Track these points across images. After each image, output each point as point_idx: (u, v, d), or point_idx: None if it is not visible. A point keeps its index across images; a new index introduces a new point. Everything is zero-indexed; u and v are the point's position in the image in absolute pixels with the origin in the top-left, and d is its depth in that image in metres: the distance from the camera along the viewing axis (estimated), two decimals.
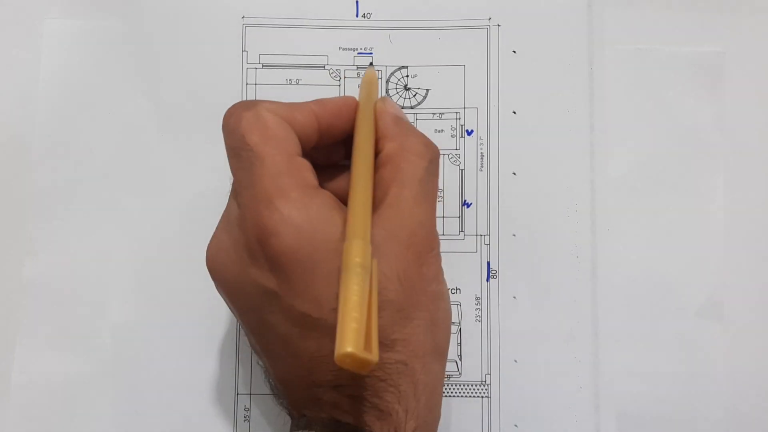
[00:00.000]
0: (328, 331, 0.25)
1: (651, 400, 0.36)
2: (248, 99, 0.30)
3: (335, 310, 0.24)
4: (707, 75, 0.37)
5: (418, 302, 0.27)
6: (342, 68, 0.37)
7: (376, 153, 0.29)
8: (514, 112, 0.37)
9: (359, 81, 0.37)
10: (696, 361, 0.36)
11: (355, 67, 0.37)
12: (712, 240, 0.36)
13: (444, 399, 0.36)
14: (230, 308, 0.30)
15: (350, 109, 0.30)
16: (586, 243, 0.36)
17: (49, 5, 0.38)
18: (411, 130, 0.30)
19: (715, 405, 0.36)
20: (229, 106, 0.29)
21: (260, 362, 0.31)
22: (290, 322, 0.26)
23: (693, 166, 0.37)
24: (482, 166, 0.37)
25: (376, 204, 0.28)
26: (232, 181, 0.29)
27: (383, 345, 0.26)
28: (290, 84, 0.37)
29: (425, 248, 0.28)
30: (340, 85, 0.37)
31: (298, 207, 0.26)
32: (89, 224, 0.37)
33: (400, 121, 0.30)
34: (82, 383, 0.36)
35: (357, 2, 0.37)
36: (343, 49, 0.37)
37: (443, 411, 0.35)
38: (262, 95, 0.37)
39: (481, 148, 0.37)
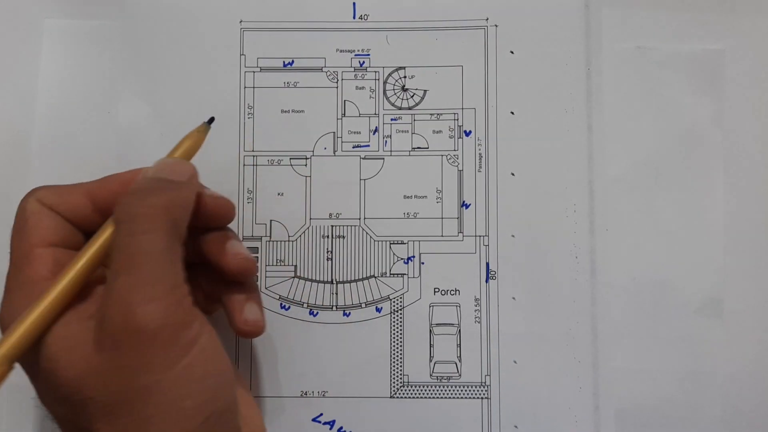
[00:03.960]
0: None
1: (651, 399, 0.36)
2: (47, 185, 0.30)
3: None
4: (706, 74, 0.37)
5: (123, 400, 0.25)
6: (339, 70, 0.37)
7: None
8: (512, 113, 0.37)
9: (356, 83, 0.37)
10: (695, 361, 0.36)
11: (352, 69, 0.37)
12: (711, 239, 0.36)
13: (443, 401, 0.36)
14: None
15: (124, 182, 0.30)
16: (585, 243, 0.36)
17: (50, 5, 0.38)
18: (137, 187, 0.28)
19: (715, 404, 0.36)
20: (227, 113, 0.34)
21: None
22: None
23: (692, 165, 0.37)
24: (481, 167, 0.37)
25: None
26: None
27: None
28: (288, 87, 0.37)
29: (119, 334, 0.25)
30: (337, 87, 0.37)
31: (9, 308, 0.27)
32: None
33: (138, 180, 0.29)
34: None
35: (354, 4, 0.37)
36: (341, 51, 0.37)
37: (443, 412, 0.35)
38: (260, 98, 0.37)
39: (480, 149, 0.37)
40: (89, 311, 0.27)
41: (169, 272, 0.26)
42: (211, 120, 0.32)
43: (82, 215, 0.30)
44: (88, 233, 0.29)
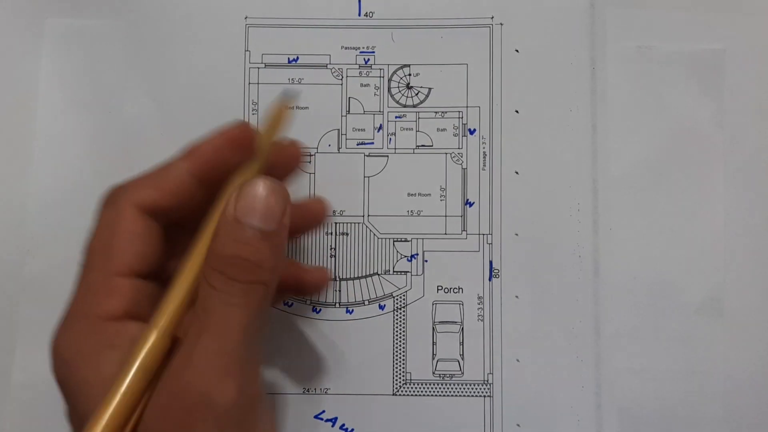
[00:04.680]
0: None
1: (653, 398, 0.36)
2: (127, 180, 0.28)
3: None
4: (709, 73, 0.37)
5: None
6: (344, 67, 0.37)
7: None
8: (517, 111, 0.37)
9: (361, 80, 0.37)
10: (697, 360, 0.36)
11: (357, 66, 0.37)
12: (713, 238, 0.37)
13: (446, 399, 0.36)
14: None
15: (235, 141, 0.28)
16: (589, 242, 0.36)
17: (51, 5, 0.38)
18: (229, 241, 0.25)
19: (716, 403, 0.36)
20: (231, 110, 0.34)
21: None
22: None
23: (694, 164, 0.37)
24: (485, 166, 0.37)
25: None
26: None
27: None
28: (293, 83, 0.37)
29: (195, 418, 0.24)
30: (342, 84, 0.37)
31: (70, 341, 0.26)
32: (89, 224, 0.37)
33: (227, 225, 0.25)
34: None
35: (359, 1, 0.37)
36: (346, 48, 0.37)
37: (446, 410, 0.35)
38: (264, 95, 0.37)
39: (484, 147, 0.37)
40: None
41: (254, 347, 0.25)
42: (289, 92, 0.29)
43: (183, 199, 0.27)
44: (179, 218, 0.28)
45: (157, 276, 0.28)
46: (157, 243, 0.28)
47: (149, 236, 0.27)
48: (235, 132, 0.28)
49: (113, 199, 0.28)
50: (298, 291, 0.32)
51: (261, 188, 0.25)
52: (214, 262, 0.25)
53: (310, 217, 0.31)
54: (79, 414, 0.25)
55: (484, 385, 0.36)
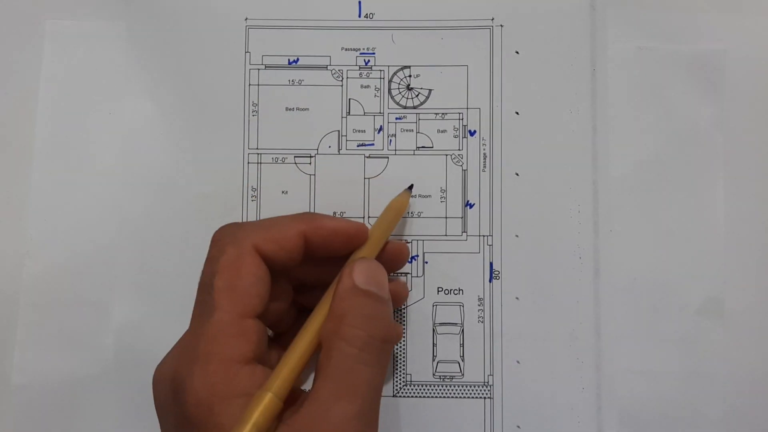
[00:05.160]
0: None
1: (653, 399, 0.36)
2: (241, 221, 0.31)
3: None
4: (709, 73, 0.37)
5: None
6: (345, 68, 0.37)
7: None
8: (517, 113, 0.37)
9: (361, 82, 0.37)
10: (697, 361, 0.36)
11: (357, 67, 0.37)
12: (713, 239, 0.37)
13: (446, 400, 0.36)
14: None
15: (349, 236, 0.30)
16: (589, 243, 0.36)
17: (52, 6, 0.38)
18: (360, 306, 0.28)
19: (717, 404, 0.36)
20: (231, 111, 0.35)
21: None
22: None
23: (695, 165, 0.37)
24: (485, 167, 0.37)
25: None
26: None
27: None
28: (293, 85, 0.37)
29: None
30: (342, 85, 0.37)
31: (208, 383, 0.26)
32: (89, 224, 0.37)
33: (355, 294, 0.28)
34: (82, 383, 0.36)
35: (359, 2, 0.37)
36: (346, 50, 0.37)
37: (446, 412, 0.35)
38: (264, 96, 0.37)
39: (484, 149, 0.37)
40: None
41: (378, 406, 0.27)
42: (411, 187, 0.35)
43: (293, 258, 0.29)
44: (281, 271, 0.30)
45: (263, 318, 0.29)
46: (269, 287, 0.29)
47: (268, 280, 0.29)
48: (356, 228, 0.31)
49: (236, 239, 0.28)
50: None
51: (372, 262, 0.29)
52: (350, 320, 0.27)
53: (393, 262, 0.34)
54: None
55: (485, 387, 0.36)
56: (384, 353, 0.27)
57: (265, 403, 0.26)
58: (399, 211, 0.33)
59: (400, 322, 0.36)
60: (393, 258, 0.33)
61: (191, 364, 0.27)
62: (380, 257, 0.32)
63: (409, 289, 0.36)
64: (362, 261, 0.29)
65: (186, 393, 0.26)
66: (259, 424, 0.25)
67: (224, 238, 0.29)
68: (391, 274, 0.35)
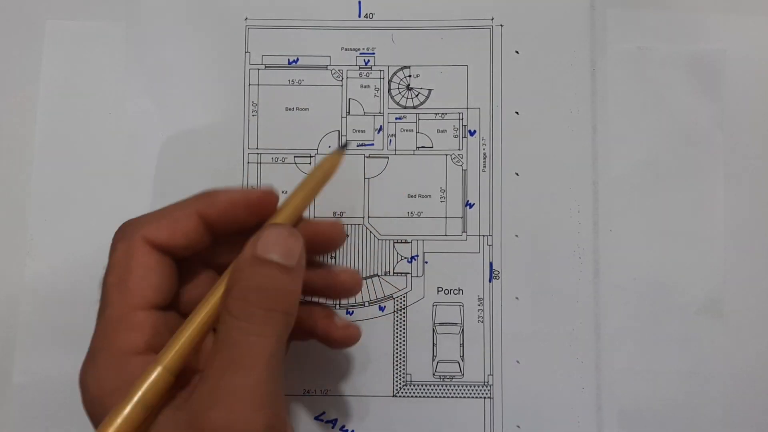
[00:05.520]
0: None
1: (653, 399, 0.36)
2: (138, 216, 0.28)
3: None
4: (709, 73, 0.37)
5: None
6: (344, 68, 0.37)
7: None
8: (517, 113, 0.37)
9: (361, 82, 0.37)
10: (698, 360, 0.36)
11: (357, 67, 0.37)
12: (713, 238, 0.37)
13: (446, 400, 0.36)
14: None
15: (249, 205, 0.28)
16: (589, 243, 0.36)
17: (52, 6, 0.38)
18: (251, 277, 0.26)
19: (716, 404, 0.36)
20: (231, 111, 0.34)
21: None
22: None
23: (694, 165, 0.37)
24: (485, 167, 0.37)
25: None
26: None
27: None
28: (293, 84, 0.37)
29: None
30: (342, 85, 0.37)
31: (97, 378, 0.26)
32: (89, 224, 0.37)
33: (251, 263, 0.26)
34: None
35: (359, 2, 0.37)
36: (346, 50, 0.37)
37: (446, 412, 0.35)
38: (264, 96, 0.37)
39: (484, 149, 0.37)
40: (177, 400, 0.26)
41: (276, 379, 0.25)
42: (345, 145, 0.32)
43: (192, 241, 0.28)
44: (186, 257, 0.28)
45: (175, 308, 0.29)
46: (172, 276, 0.28)
47: (163, 269, 0.28)
48: (257, 195, 0.28)
49: (125, 235, 0.28)
50: (330, 294, 0.31)
51: (281, 229, 0.27)
52: (235, 292, 0.26)
53: (325, 242, 0.31)
54: None
55: (485, 387, 0.36)
56: (275, 322, 0.25)
57: (153, 377, 0.25)
58: (327, 172, 0.29)
59: (401, 323, 0.36)
60: (323, 237, 0.30)
61: (85, 363, 0.27)
62: (308, 237, 0.28)
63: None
64: (268, 228, 0.27)
65: (82, 392, 0.26)
66: (147, 398, 0.24)
67: (116, 235, 0.28)
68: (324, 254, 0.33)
